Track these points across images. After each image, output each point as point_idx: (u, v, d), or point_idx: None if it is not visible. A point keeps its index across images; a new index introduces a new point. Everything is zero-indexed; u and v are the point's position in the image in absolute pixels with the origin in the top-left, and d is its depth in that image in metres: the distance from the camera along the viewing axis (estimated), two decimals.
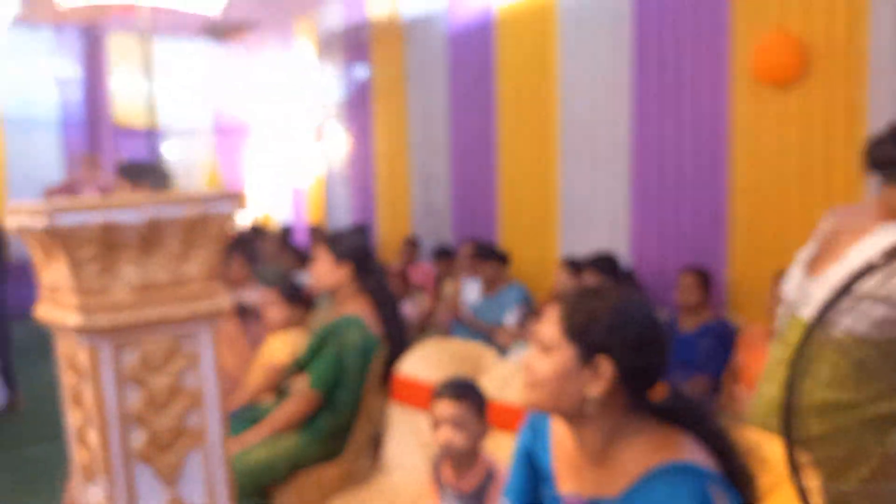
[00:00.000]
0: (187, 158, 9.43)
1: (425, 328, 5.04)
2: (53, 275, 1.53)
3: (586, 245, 4.48)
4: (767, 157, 3.59)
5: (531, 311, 3.97)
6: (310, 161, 8.83)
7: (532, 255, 5.13)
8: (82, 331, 1.42)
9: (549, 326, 1.32)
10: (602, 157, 4.53)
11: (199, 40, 8.30)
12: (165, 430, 1.55)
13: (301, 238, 8.04)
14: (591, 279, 3.77)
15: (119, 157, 9.01)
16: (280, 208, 9.58)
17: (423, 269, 5.80)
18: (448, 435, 1.95)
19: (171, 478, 1.57)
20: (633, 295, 1.35)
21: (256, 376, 3.11)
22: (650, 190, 4.22)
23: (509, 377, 2.41)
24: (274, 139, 9.85)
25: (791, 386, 1.59)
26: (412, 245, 5.95)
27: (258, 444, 2.50)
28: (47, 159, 8.69)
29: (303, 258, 6.13)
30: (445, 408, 1.97)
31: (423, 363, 2.64)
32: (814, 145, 3.39)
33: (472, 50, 5.60)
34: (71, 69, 8.73)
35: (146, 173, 3.36)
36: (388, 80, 6.82)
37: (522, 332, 4.11)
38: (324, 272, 2.69)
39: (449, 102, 5.98)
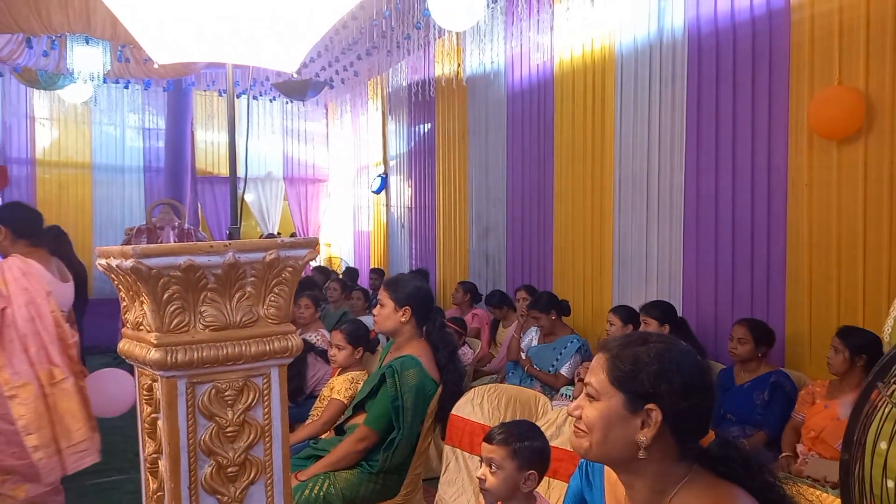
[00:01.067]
0: (263, 203, 9.87)
1: (479, 372, 5.09)
2: (137, 312, 1.66)
3: (640, 296, 4.47)
4: (828, 210, 3.53)
5: (587, 361, 3.97)
6: (374, 209, 9.13)
7: (586, 304, 5.14)
8: (161, 366, 1.54)
9: (597, 374, 1.35)
10: (657, 209, 4.54)
11: (279, 97, 8.83)
12: (232, 463, 1.64)
13: (363, 281, 8.27)
14: (645, 326, 3.76)
15: (197, 203, 9.56)
16: (345, 252, 9.89)
17: (479, 315, 5.86)
18: (484, 473, 2.02)
19: None
20: (678, 342, 1.36)
21: (320, 413, 3.23)
22: (705, 242, 4.20)
23: (562, 423, 2.43)
24: (342, 188, 10.26)
25: None
26: (469, 291, 6.04)
27: (315, 478, 2.58)
28: (130, 203, 9.27)
29: (366, 301, 6.30)
30: (485, 449, 2.04)
31: (479, 407, 2.68)
32: (877, 199, 3.33)
33: (531, 104, 5.76)
34: (156, 121, 9.36)
35: None
36: (451, 134, 7.06)
37: (578, 381, 4.10)
38: (385, 315, 2.79)
39: (507, 155, 6.12)
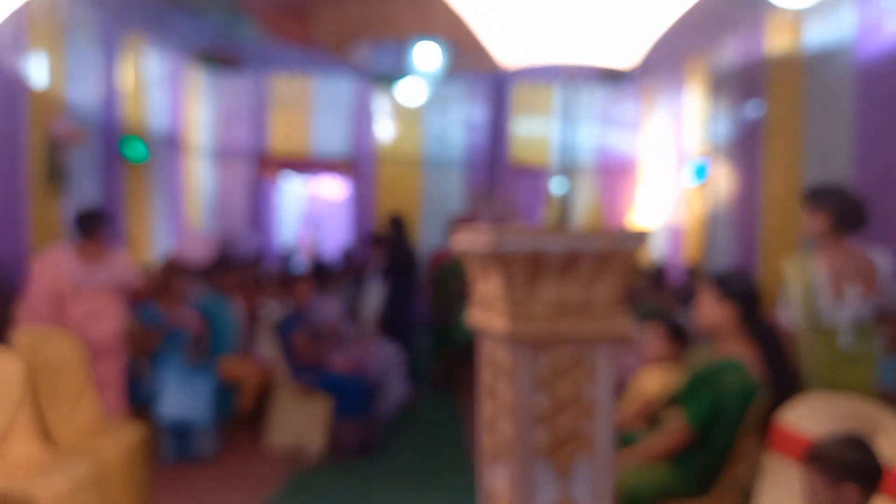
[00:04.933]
0: (574, 196, 10.03)
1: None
2: (488, 288, 1.88)
3: None
4: None
5: None
6: (692, 201, 8.70)
7: None
8: (508, 336, 1.73)
9: None
10: None
11: (595, 85, 8.83)
12: (563, 431, 1.77)
13: (675, 277, 7.98)
14: None
15: (512, 193, 10.14)
16: (656, 247, 9.61)
17: None
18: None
19: (564, 474, 1.79)
20: None
21: (629, 404, 3.25)
22: None
23: None
24: (658, 178, 9.93)
25: None
26: None
27: (628, 468, 2.61)
28: (451, 195, 10.18)
29: (679, 297, 6.09)
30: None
31: (809, 416, 2.46)
32: None
33: (886, 81, 4.98)
34: (478, 114, 10.06)
35: None
36: (784, 118, 6.43)
37: None
38: (708, 309, 2.71)
39: (854, 139, 5.39)
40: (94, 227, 4.12)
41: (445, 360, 6.81)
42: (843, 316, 2.73)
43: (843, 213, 2.87)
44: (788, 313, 2.94)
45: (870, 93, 5.17)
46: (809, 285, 2.80)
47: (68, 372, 3.53)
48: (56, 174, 5.96)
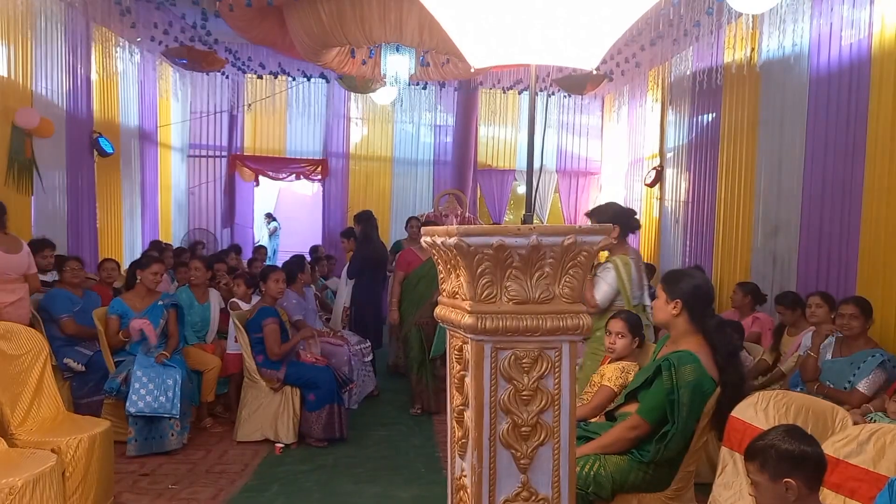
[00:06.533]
0: (537, 196, 10.26)
1: (759, 380, 4.74)
2: (453, 283, 1.93)
3: None
4: None
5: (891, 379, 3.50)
6: (646, 203, 8.93)
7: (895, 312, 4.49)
8: (472, 330, 1.79)
9: None
10: None
11: (557, 92, 9.10)
12: (525, 423, 1.83)
13: None
14: None
15: (478, 193, 10.30)
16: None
17: (761, 319, 5.45)
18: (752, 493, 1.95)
19: (525, 465, 1.85)
20: None
21: (588, 398, 3.35)
22: None
23: (865, 441, 2.21)
24: (614, 181, 10.20)
25: None
26: (750, 293, 5.64)
27: (587, 458, 2.68)
28: (421, 193, 10.33)
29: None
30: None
31: (763, 412, 2.57)
32: None
33: (839, 89, 5.15)
34: (446, 118, 10.28)
35: None
36: (738, 125, 6.61)
37: (876, 401, 3.65)
38: (657, 307, 2.81)
39: (806, 146, 5.56)
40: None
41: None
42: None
43: (623, 219, 3.88)
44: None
45: (822, 101, 5.34)
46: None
47: (26, 365, 3.51)
48: (22, 165, 5.87)
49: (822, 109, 5.34)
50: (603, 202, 4.49)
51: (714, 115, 7.11)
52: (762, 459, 1.89)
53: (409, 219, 7.08)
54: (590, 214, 4.04)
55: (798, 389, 4.16)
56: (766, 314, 5.56)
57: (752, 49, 6.09)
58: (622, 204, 9.56)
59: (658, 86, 8.47)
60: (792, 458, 1.85)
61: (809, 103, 5.52)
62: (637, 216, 4.12)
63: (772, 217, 6.08)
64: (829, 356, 4.13)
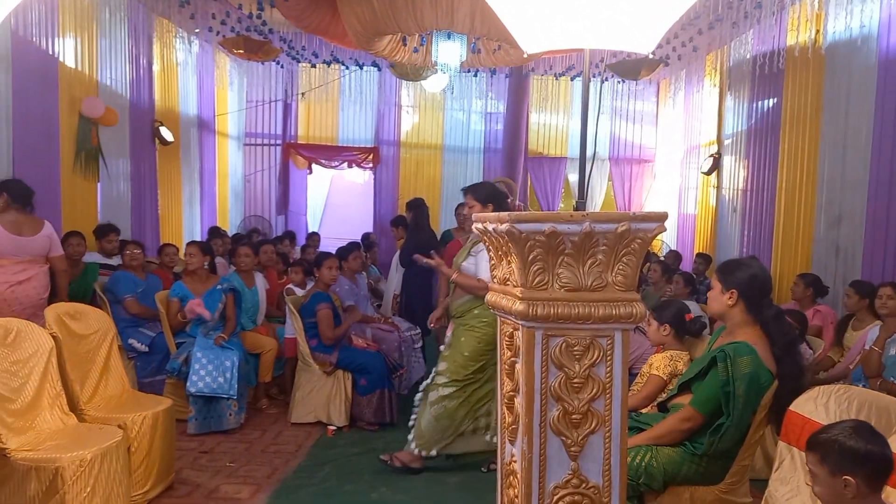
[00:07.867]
0: (591, 184, 10.13)
1: (815, 381, 4.57)
2: (504, 269, 1.93)
3: None
4: None
5: None
6: (703, 191, 8.71)
7: None
8: (523, 317, 1.78)
9: None
10: None
11: (611, 77, 8.95)
12: (576, 411, 1.83)
13: (686, 265, 8.01)
14: None
15: (528, 181, 10.22)
16: (668, 235, 9.63)
17: (823, 312, 5.27)
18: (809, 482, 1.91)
19: (575, 453, 1.85)
20: None
21: (640, 387, 3.32)
22: None
23: None
24: (669, 169, 9.98)
25: None
26: (811, 285, 5.45)
27: (638, 449, 2.66)
28: (471, 181, 10.30)
29: (687, 285, 6.13)
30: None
31: (823, 407, 2.49)
32: None
33: None
34: (497, 105, 10.22)
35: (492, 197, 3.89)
36: (801, 110, 6.38)
37: None
38: (712, 297, 2.76)
39: (874, 132, 5.33)
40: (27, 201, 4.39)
41: None
42: None
43: (498, 199, 3.85)
44: None
45: (892, 85, 5.10)
46: None
47: (94, 344, 3.66)
48: (89, 153, 6.10)
49: (892, 94, 5.10)
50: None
51: (775, 100, 6.87)
52: (823, 452, 1.84)
53: (458, 206, 7.10)
54: (466, 190, 4.03)
55: (860, 385, 4.02)
56: (828, 307, 5.37)
57: (817, 31, 5.85)
58: (677, 192, 9.42)
59: (716, 70, 8.22)
60: (855, 456, 1.79)
61: (878, 87, 5.28)
62: (510, 199, 4.08)
63: (835, 206, 5.86)
64: (892, 351, 3.97)
